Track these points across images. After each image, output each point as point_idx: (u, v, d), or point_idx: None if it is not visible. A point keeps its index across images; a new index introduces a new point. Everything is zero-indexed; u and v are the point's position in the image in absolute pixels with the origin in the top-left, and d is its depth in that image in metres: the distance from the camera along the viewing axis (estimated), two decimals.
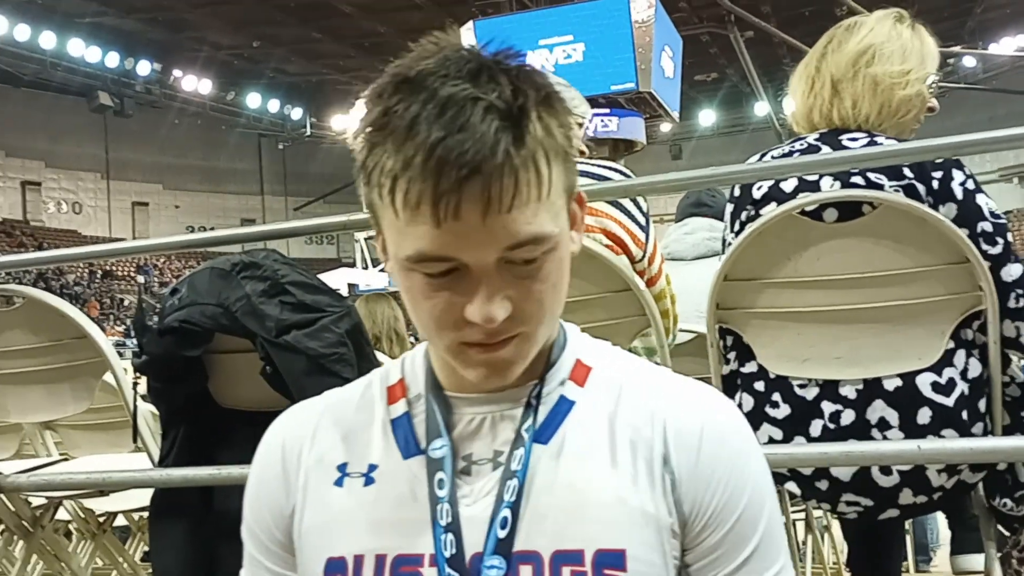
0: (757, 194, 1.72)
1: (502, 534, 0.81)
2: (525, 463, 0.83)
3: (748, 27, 18.55)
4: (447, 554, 0.82)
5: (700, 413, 0.87)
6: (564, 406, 0.87)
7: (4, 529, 2.45)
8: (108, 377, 2.13)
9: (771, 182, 1.70)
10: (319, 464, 0.90)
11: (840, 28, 1.78)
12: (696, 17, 20.65)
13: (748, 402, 1.68)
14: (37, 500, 2.38)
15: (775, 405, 1.65)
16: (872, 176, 1.60)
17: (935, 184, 1.58)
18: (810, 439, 1.61)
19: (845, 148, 1.66)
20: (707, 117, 31.40)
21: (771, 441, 1.64)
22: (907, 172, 1.58)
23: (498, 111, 0.75)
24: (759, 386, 1.67)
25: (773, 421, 1.65)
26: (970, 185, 1.58)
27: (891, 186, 1.58)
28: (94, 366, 2.07)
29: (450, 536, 0.82)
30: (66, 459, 2.77)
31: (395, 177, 0.75)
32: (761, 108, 27.17)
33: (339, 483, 0.88)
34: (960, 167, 1.60)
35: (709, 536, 0.84)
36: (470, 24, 13.01)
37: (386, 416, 0.90)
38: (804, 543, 3.15)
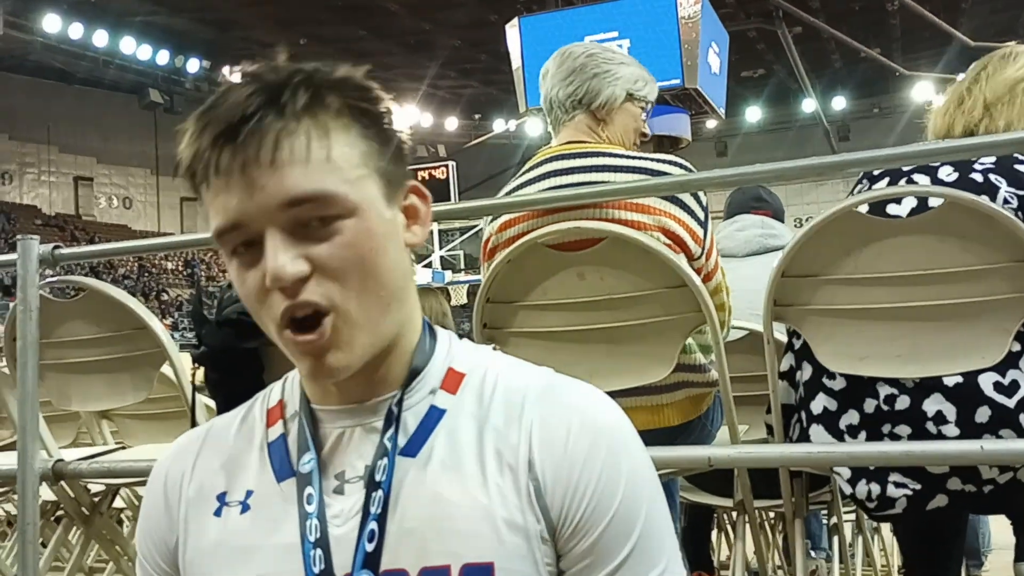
0: (876, 172, 1.75)
1: (370, 547, 0.80)
2: (389, 473, 0.82)
3: (796, 23, 18.33)
4: (316, 570, 0.81)
5: (569, 413, 0.84)
6: (434, 415, 0.85)
7: (64, 515, 2.51)
8: (165, 368, 2.18)
9: None
10: (199, 495, 0.89)
11: (995, 57, 1.83)
12: (743, 13, 20.44)
13: (807, 371, 1.70)
14: (94, 488, 2.44)
15: (832, 376, 1.66)
16: (992, 178, 1.60)
17: None
18: (863, 415, 1.61)
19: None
20: (753, 113, 31.07)
21: (825, 412, 1.65)
22: None
23: (261, 85, 0.79)
24: None
25: (829, 392, 1.66)
26: None
27: (1008, 192, 1.58)
28: (153, 356, 2.11)
29: (319, 552, 0.81)
30: (122, 448, 2.83)
31: (183, 156, 0.82)
32: (808, 105, 26.81)
33: (218, 513, 0.87)
34: None
35: (580, 542, 0.82)
36: (515, 21, 12.99)
37: (264, 439, 0.90)
38: (853, 544, 3.11)
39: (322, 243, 0.78)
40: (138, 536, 0.94)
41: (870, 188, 1.74)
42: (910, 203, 1.64)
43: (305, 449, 0.86)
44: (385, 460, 0.82)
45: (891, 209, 1.64)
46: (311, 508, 0.83)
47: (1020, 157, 1.64)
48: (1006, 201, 1.56)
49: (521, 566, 0.80)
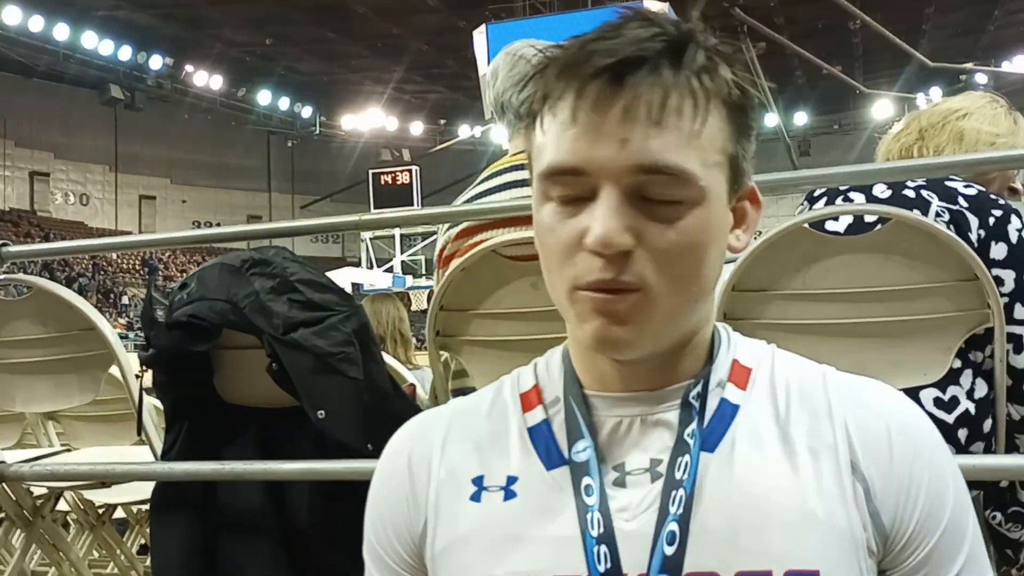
0: (817, 191, 1.80)
1: (670, 551, 0.72)
2: (693, 471, 0.74)
3: (760, 38, 18.56)
4: (601, 569, 0.73)
5: (885, 412, 0.78)
6: (727, 410, 0.78)
7: (4, 518, 2.46)
8: (112, 369, 2.14)
9: None
10: (451, 477, 0.81)
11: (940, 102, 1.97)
12: (708, 27, 20.67)
13: None
14: (38, 490, 2.39)
15: None
16: (924, 193, 1.64)
17: (991, 221, 1.60)
18: None
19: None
20: None
21: None
22: (961, 201, 1.62)
23: (662, 31, 0.72)
24: None
25: None
26: None
27: (940, 206, 1.62)
28: (101, 358, 2.08)
29: (603, 549, 0.73)
30: (68, 450, 2.78)
31: (548, 78, 0.74)
32: (771, 119, 27.17)
33: (475, 498, 0.80)
34: (1019, 215, 1.64)
35: (914, 553, 0.75)
36: (483, 28, 13.03)
37: (522, 424, 0.82)
38: None
39: (657, 222, 0.71)
40: (371, 521, 0.86)
41: (810, 208, 1.78)
42: (847, 219, 1.67)
43: (579, 436, 0.78)
44: (686, 457, 0.75)
45: (829, 225, 1.67)
46: (591, 500, 0.75)
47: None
48: (938, 215, 1.61)
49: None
